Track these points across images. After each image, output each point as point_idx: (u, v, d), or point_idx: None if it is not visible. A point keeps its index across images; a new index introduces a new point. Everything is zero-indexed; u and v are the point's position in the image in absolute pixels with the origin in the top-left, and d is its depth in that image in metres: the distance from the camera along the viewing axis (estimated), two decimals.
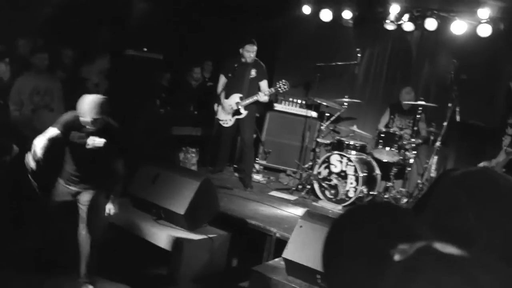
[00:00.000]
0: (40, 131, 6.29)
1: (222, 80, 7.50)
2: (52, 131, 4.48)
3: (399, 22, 8.38)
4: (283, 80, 7.24)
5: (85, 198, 4.73)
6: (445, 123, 7.08)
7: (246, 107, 7.36)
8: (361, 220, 1.07)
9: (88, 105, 4.42)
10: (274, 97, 8.91)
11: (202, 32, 9.19)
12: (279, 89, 7.26)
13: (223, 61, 7.75)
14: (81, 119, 4.46)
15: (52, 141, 4.43)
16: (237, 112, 7.39)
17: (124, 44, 8.34)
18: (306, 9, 9.09)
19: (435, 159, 7.26)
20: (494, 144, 6.66)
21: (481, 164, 6.24)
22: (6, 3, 7.21)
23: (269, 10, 9.18)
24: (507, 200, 1.07)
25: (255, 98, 7.27)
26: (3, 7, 7.14)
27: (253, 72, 7.37)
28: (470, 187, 1.09)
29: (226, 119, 7.48)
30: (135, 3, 8.35)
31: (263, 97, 7.27)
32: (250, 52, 7.25)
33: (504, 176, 1.13)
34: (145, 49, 8.44)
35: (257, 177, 8.15)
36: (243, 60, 7.29)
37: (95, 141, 4.57)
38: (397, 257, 0.89)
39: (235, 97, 7.38)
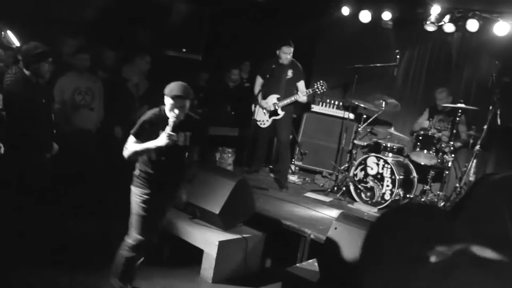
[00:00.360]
0: (80, 129, 6.50)
1: (259, 81, 7.54)
2: (131, 140, 4.36)
3: (440, 23, 8.27)
4: (321, 81, 7.24)
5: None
6: (485, 127, 6.95)
7: (283, 108, 7.39)
8: (397, 223, 1.08)
9: (178, 85, 4.33)
10: (312, 98, 8.89)
11: (241, 33, 9.23)
12: (317, 89, 7.26)
13: (260, 62, 7.79)
14: (169, 103, 4.33)
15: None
16: (274, 112, 7.42)
17: (163, 45, 8.45)
18: (345, 10, 9.05)
19: (474, 163, 7.13)
20: None
21: None
22: (50, 4, 7.39)
23: (308, 10, 9.18)
24: None
25: (293, 98, 7.30)
26: (48, 7, 7.32)
27: (289, 73, 7.41)
28: (508, 191, 1.08)
29: (263, 120, 7.53)
30: (175, 4, 8.45)
31: (301, 97, 7.30)
32: (286, 54, 7.29)
33: None
34: (184, 50, 8.53)
35: (292, 178, 8.15)
36: (280, 61, 7.32)
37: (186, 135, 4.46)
38: (433, 259, 0.90)
39: (273, 98, 7.42)
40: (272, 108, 7.41)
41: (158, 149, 4.28)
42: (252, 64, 9.27)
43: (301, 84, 7.47)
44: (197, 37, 8.70)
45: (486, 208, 1.07)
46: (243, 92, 8.84)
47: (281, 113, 7.40)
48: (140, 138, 4.32)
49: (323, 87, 7.22)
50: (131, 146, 4.34)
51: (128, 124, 7.02)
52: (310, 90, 7.33)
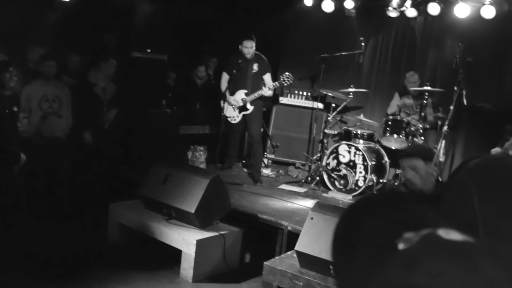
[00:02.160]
0: (48, 138, 6.41)
1: (225, 77, 7.54)
2: None
3: (402, 9, 8.34)
4: (287, 73, 7.28)
5: None
6: (451, 107, 7.05)
7: (252, 102, 7.39)
8: (369, 210, 1.08)
9: None
10: (280, 91, 8.92)
11: (206, 30, 9.21)
12: (283, 82, 7.30)
13: (226, 58, 7.78)
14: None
15: None
16: (243, 108, 7.43)
17: (129, 47, 8.38)
18: (308, 1, 9.06)
19: (443, 144, 7.22)
20: (503, 128, 6.59)
21: (494, 150, 6.17)
22: (13, 12, 7.28)
23: (272, 3, 9.18)
24: None
25: (260, 92, 7.31)
26: (10, 16, 7.21)
27: (255, 67, 7.42)
28: (481, 176, 1.08)
29: (233, 116, 7.52)
30: (138, 5, 8.38)
31: (267, 91, 7.32)
32: (248, 48, 7.30)
33: None
34: (149, 50, 8.47)
35: (266, 171, 8.16)
36: (243, 56, 7.32)
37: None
38: (401, 246, 0.89)
39: (241, 93, 7.42)
40: (241, 104, 7.41)
41: None
42: (219, 60, 9.25)
43: (267, 77, 7.49)
44: (162, 37, 8.64)
45: (458, 193, 1.08)
46: (211, 89, 8.82)
47: (250, 107, 7.41)
48: None
49: (289, 79, 7.25)
50: None
51: (97, 129, 7.02)
52: (277, 83, 7.36)
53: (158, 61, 8.55)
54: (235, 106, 7.47)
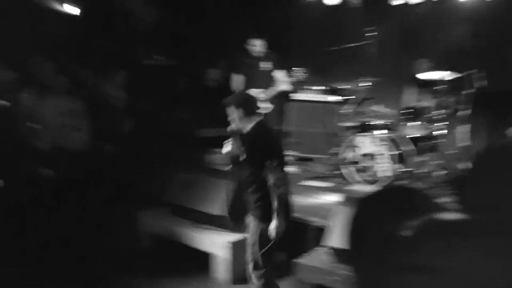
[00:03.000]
0: (67, 150, 6.43)
1: (235, 78, 7.52)
2: None
3: None
4: (300, 68, 7.29)
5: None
6: (466, 91, 7.03)
7: (270, 101, 7.40)
8: (378, 204, 1.11)
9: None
10: (293, 87, 8.91)
11: (214, 32, 9.22)
12: (298, 77, 7.32)
13: (234, 58, 7.77)
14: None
15: None
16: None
17: (138, 55, 8.41)
18: None
19: (463, 128, 7.21)
20: None
21: (509, 130, 6.16)
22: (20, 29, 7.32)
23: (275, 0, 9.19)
24: None
25: (275, 89, 7.31)
26: (19, 33, 7.25)
27: (265, 65, 7.41)
28: (497, 160, 1.11)
29: None
30: (144, 14, 8.41)
31: (283, 86, 7.31)
32: (255, 47, 7.28)
33: None
34: (159, 57, 8.50)
35: (290, 168, 8.14)
36: (252, 55, 7.32)
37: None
38: (405, 233, 0.93)
39: (256, 93, 7.42)
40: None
41: None
42: (229, 61, 9.25)
43: (279, 74, 7.48)
44: (171, 42, 8.66)
45: (475, 179, 1.11)
46: (226, 90, 8.81)
47: (269, 105, 7.41)
48: None
49: (302, 74, 7.29)
50: None
51: (119, 139, 7.06)
52: (292, 78, 7.37)
53: (169, 66, 8.58)
54: None
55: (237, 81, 7.51)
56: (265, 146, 4.26)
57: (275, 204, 4.17)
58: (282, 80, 7.37)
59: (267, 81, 7.40)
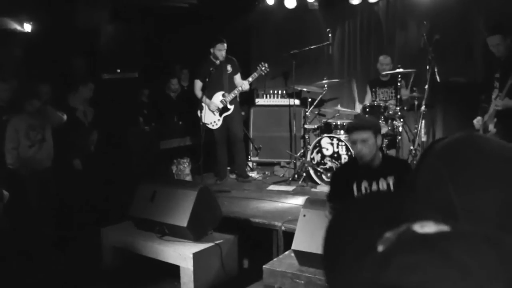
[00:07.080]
0: (36, 168, 6.29)
1: (198, 84, 7.56)
2: None
3: None
4: (262, 62, 7.38)
5: None
6: (426, 86, 7.10)
7: (231, 102, 7.45)
8: (353, 212, 1.06)
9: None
10: (255, 93, 8.93)
11: (173, 42, 9.19)
12: (261, 72, 7.40)
13: (197, 66, 7.78)
14: None
15: None
16: (224, 109, 7.47)
17: (98, 69, 8.33)
18: (270, 0, 9.06)
19: (422, 123, 7.28)
20: (479, 99, 6.63)
21: (476, 120, 6.19)
22: None
23: (234, 7, 9.17)
24: (490, 164, 1.02)
25: (239, 88, 7.42)
26: None
27: (229, 68, 7.54)
28: (450, 156, 1.06)
29: (214, 121, 7.53)
30: (102, 27, 8.33)
31: (246, 85, 7.42)
32: (221, 51, 7.39)
33: (491, 139, 1.08)
34: (118, 70, 8.42)
35: (252, 174, 8.14)
36: (216, 59, 7.38)
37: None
38: (380, 248, 0.87)
39: (218, 96, 7.49)
40: (221, 106, 7.45)
41: None
42: (190, 70, 9.23)
43: (238, 77, 7.62)
44: (130, 55, 8.60)
45: (429, 179, 1.06)
46: (186, 100, 8.79)
47: (230, 107, 7.49)
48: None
49: (265, 68, 7.36)
50: None
51: (84, 154, 6.97)
52: (255, 74, 7.44)
53: (129, 79, 8.50)
54: (215, 110, 7.49)
55: (199, 87, 7.52)
56: None
57: None
58: (240, 82, 7.46)
59: (231, 84, 7.51)
